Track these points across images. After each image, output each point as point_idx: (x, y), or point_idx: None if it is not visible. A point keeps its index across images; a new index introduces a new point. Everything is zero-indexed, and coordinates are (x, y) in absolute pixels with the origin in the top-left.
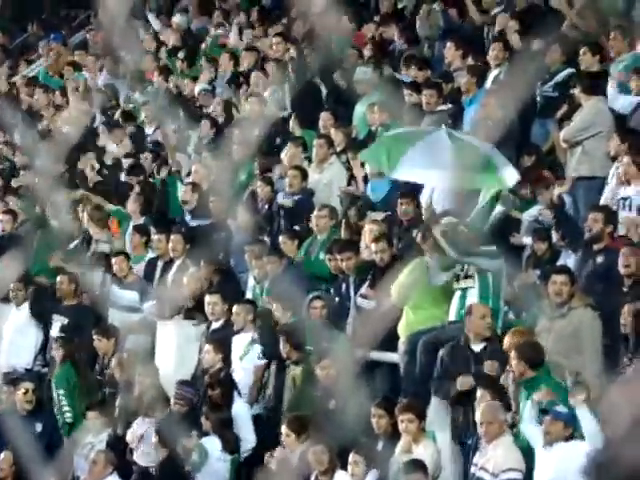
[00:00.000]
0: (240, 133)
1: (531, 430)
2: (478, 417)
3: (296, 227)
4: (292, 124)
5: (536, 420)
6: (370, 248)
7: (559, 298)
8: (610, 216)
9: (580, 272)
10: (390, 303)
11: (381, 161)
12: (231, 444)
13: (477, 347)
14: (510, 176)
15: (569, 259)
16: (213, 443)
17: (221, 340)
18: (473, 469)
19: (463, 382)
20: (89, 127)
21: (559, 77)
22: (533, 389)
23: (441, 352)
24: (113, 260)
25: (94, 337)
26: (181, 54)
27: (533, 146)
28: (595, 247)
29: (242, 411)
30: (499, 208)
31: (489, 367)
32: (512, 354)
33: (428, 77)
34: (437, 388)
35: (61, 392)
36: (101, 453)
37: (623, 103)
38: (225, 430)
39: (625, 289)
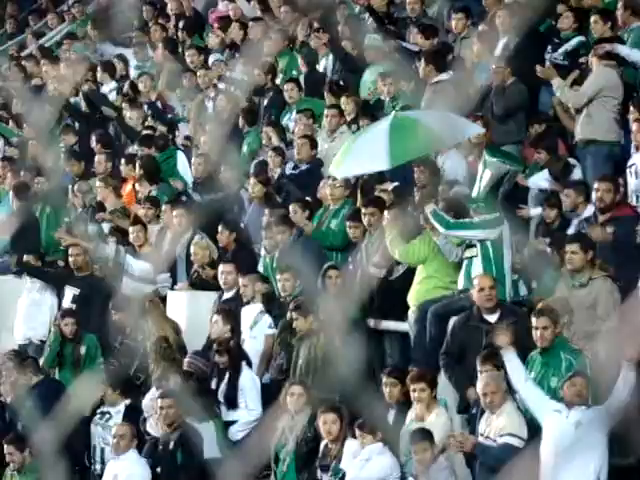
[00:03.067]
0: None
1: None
2: (480, 388)
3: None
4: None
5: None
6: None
7: (572, 266)
8: (618, 185)
9: None
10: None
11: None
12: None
13: (491, 318)
14: (468, 130)
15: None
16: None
17: (230, 310)
18: (480, 438)
19: (470, 393)
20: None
21: (569, 45)
22: (551, 356)
23: (451, 322)
24: (131, 229)
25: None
26: (181, 23)
27: (542, 114)
28: (602, 217)
29: (249, 381)
30: (487, 172)
31: (501, 339)
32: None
33: (435, 45)
34: (445, 365)
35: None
36: (126, 427)
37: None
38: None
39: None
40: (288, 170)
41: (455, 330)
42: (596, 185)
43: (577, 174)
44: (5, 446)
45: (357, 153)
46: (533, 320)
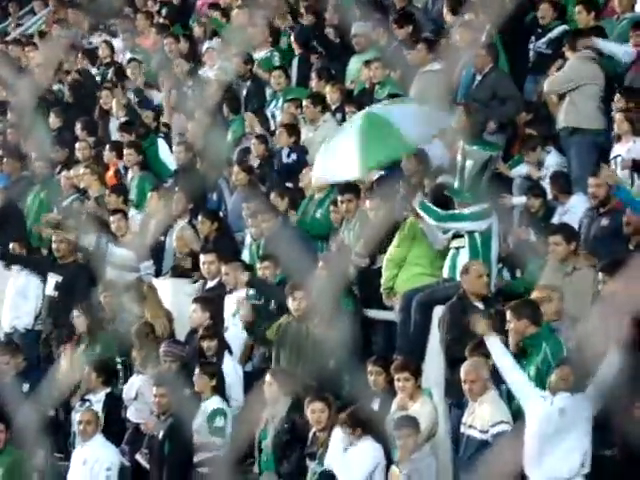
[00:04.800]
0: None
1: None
2: (462, 375)
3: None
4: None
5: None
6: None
7: (556, 257)
8: None
9: (586, 235)
10: None
11: (334, 175)
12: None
13: (480, 305)
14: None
15: (565, 216)
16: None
17: (207, 298)
18: (462, 428)
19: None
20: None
21: (553, 34)
22: (534, 347)
23: (440, 312)
24: (111, 218)
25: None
26: (164, 11)
27: (528, 103)
28: (600, 210)
29: (231, 370)
30: (469, 162)
31: (480, 326)
32: (509, 316)
33: (410, 33)
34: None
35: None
36: (91, 412)
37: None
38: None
39: (631, 248)
40: (285, 158)
41: (454, 315)
42: (589, 181)
43: (551, 159)
44: None
45: (330, 159)
46: (507, 314)
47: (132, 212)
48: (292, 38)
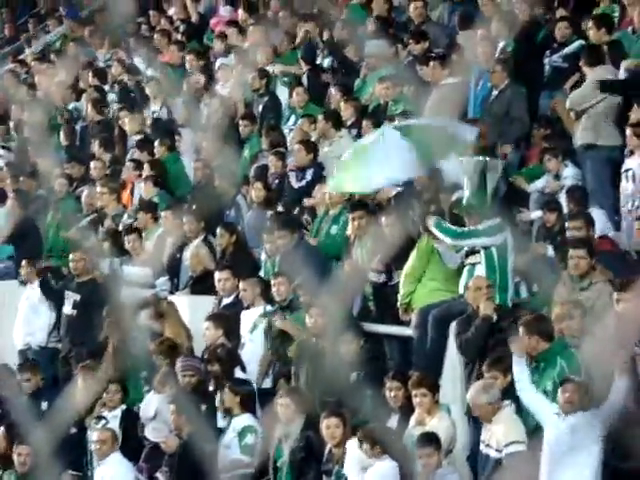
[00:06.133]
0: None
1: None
2: (469, 396)
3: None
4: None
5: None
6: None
7: (578, 271)
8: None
9: None
10: None
11: (349, 186)
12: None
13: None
14: (469, 133)
15: None
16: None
17: (220, 315)
18: (481, 446)
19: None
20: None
21: (569, 49)
22: (548, 361)
23: (453, 328)
24: (126, 238)
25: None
26: (182, 27)
27: (544, 117)
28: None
29: None
30: (491, 176)
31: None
32: (521, 332)
33: (426, 49)
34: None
35: None
36: (106, 432)
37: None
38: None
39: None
40: (295, 184)
41: (460, 332)
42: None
43: (569, 172)
44: (16, 447)
45: (383, 165)
46: (520, 330)
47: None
48: (299, 55)
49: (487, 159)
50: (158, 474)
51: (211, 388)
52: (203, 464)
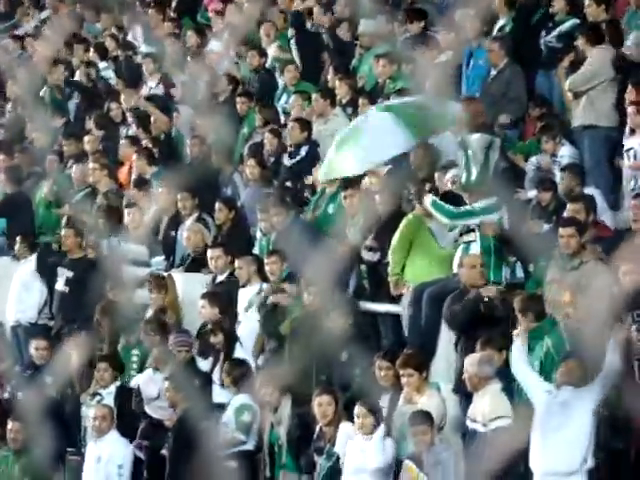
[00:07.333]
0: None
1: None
2: (465, 365)
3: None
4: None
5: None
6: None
7: (568, 249)
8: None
9: None
10: None
11: (337, 171)
12: None
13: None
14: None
15: None
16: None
17: (215, 293)
18: (467, 421)
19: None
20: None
21: (563, 27)
22: (536, 340)
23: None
24: (126, 211)
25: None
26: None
27: (540, 97)
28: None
29: None
30: (470, 152)
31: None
32: (516, 310)
33: (422, 28)
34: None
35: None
36: (106, 408)
37: None
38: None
39: None
40: (287, 161)
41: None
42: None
43: (565, 151)
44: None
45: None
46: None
47: None
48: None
49: (492, 138)
50: (163, 451)
51: (209, 361)
52: (199, 439)
